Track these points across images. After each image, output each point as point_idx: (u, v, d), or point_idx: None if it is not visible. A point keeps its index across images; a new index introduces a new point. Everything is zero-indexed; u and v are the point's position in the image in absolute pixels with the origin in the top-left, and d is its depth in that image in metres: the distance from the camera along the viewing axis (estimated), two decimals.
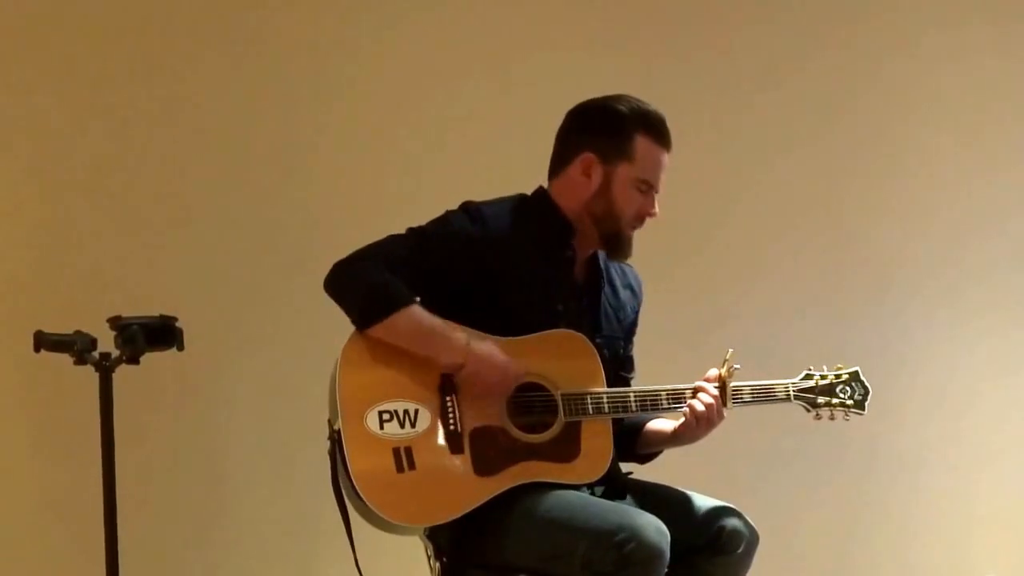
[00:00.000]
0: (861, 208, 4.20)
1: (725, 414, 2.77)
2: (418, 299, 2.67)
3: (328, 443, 2.63)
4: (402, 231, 2.71)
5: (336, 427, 2.60)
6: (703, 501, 2.74)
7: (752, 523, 2.70)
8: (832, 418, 2.91)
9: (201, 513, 3.60)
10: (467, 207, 2.73)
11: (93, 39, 3.58)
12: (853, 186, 4.19)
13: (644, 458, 2.95)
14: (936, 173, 4.26)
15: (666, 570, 2.50)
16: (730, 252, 4.06)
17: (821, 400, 2.88)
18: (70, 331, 2.79)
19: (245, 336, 3.62)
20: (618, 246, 2.80)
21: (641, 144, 2.75)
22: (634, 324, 2.95)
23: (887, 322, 4.17)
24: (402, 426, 2.61)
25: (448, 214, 2.73)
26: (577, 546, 2.50)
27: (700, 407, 2.74)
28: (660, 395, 2.76)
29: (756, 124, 4.10)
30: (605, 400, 2.71)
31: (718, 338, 3.04)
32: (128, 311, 2.82)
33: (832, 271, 4.15)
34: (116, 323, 2.77)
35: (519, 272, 2.71)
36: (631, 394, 2.75)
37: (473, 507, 2.60)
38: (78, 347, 2.74)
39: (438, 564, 2.70)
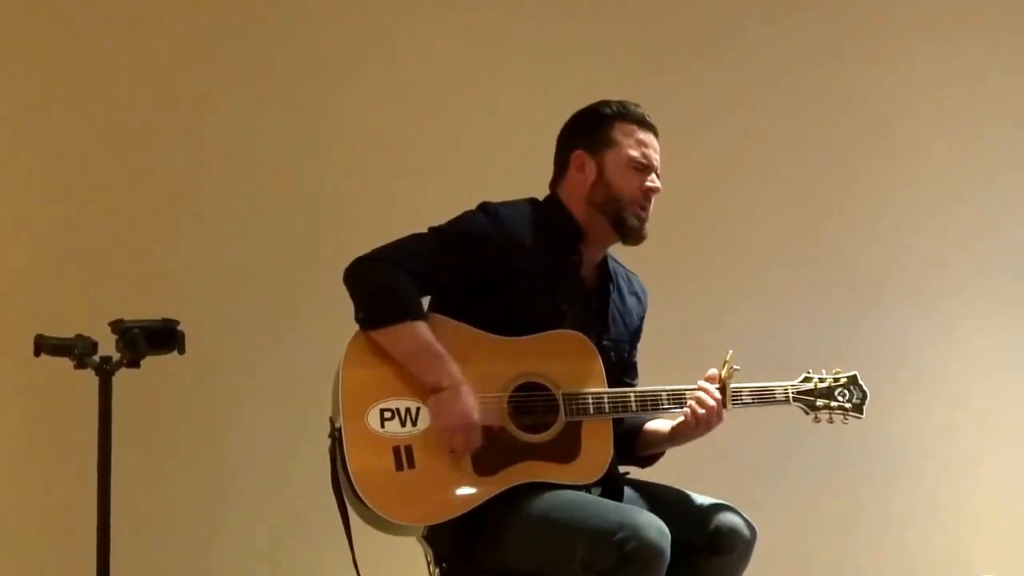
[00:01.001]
0: (858, 212, 4.23)
1: (725, 416, 2.78)
2: (429, 317, 2.68)
3: (329, 441, 2.64)
4: (408, 234, 2.74)
5: (338, 425, 2.61)
6: (701, 499, 2.74)
7: (750, 520, 2.70)
8: (831, 421, 2.91)
9: (200, 518, 3.61)
10: (485, 207, 2.78)
11: (95, 42, 3.59)
12: (850, 191, 4.22)
13: (644, 461, 2.96)
14: (931, 178, 4.29)
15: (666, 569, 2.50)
16: (730, 253, 4.09)
17: (820, 403, 2.89)
18: (71, 335, 2.78)
19: (246, 340, 3.62)
20: (628, 228, 2.81)
21: (620, 130, 2.83)
22: (638, 331, 2.97)
23: (884, 323, 4.18)
24: (403, 424, 2.62)
25: (467, 214, 2.78)
26: (577, 546, 2.50)
27: (700, 409, 2.75)
28: (660, 395, 2.77)
29: (756, 129, 4.14)
30: (606, 400, 2.72)
31: (718, 338, 3.05)
32: (129, 315, 2.80)
33: (830, 273, 4.17)
34: (117, 326, 2.75)
35: (528, 271, 2.74)
36: (632, 394, 2.76)
37: (472, 507, 2.61)
38: (78, 351, 2.72)
39: (437, 570, 2.70)
